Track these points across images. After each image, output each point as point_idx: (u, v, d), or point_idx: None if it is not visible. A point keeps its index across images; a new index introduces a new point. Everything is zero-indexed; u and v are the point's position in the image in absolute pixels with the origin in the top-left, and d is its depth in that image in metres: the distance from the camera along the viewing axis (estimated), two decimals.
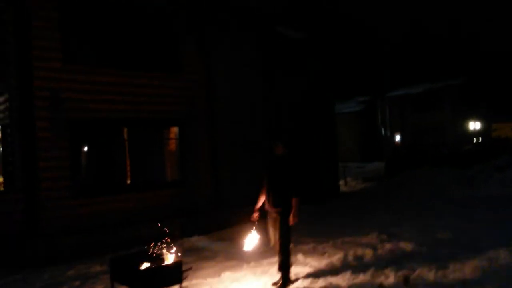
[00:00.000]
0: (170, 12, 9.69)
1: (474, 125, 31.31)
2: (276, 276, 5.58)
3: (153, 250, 4.19)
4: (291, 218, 5.29)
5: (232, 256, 7.08)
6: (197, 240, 8.77)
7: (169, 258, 4.14)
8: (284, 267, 5.42)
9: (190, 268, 4.27)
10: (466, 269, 5.77)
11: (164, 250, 4.10)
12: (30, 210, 7.61)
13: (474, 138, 26.89)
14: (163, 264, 4.01)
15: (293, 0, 13.23)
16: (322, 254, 6.94)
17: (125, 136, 9.05)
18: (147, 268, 3.92)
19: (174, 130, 9.96)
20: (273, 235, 5.49)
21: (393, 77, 36.09)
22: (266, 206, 5.48)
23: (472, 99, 30.79)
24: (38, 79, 7.74)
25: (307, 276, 5.83)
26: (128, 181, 9.07)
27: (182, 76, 9.82)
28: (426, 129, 31.79)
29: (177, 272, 3.98)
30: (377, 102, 35.21)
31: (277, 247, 5.42)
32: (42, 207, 7.65)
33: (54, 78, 7.89)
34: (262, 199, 5.52)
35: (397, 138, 34.73)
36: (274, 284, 5.44)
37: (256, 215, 5.46)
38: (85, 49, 8.50)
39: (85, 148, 8.75)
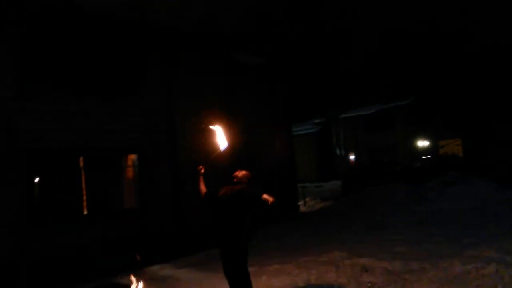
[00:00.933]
0: (130, 42, 9.71)
1: (423, 143, 32.81)
2: None
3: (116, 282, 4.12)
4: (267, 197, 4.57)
5: (197, 282, 7.03)
6: (159, 269, 8.63)
7: None
8: None
9: None
10: (422, 280, 6.05)
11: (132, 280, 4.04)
12: None
13: (423, 156, 28.15)
14: None
15: (249, 25, 13.60)
16: (286, 275, 7.02)
17: (81, 164, 8.85)
18: None
19: (132, 157, 9.85)
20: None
21: (347, 99, 37.40)
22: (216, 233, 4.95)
23: (420, 119, 32.35)
24: None
25: None
26: (85, 212, 8.83)
27: (142, 103, 9.78)
28: (378, 148, 33.00)
29: None
30: (332, 124, 36.27)
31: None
32: None
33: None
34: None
35: (352, 157, 35.77)
36: None
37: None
38: (40, 77, 8.29)
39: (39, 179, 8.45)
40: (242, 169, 5.17)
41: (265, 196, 4.54)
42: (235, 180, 5.06)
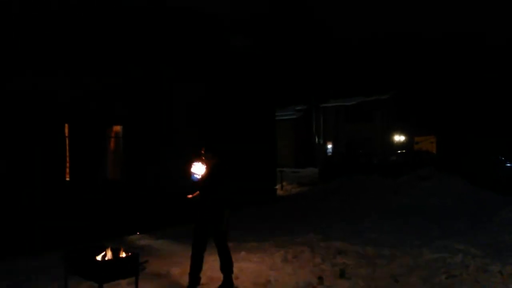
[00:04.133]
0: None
1: (399, 138, 33.62)
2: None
3: (107, 245, 4.28)
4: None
5: (178, 253, 7.20)
6: (138, 238, 8.78)
7: (123, 251, 4.23)
8: (227, 268, 5.37)
9: (147, 261, 4.40)
10: (392, 265, 6.41)
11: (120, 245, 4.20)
12: None
13: (399, 150, 28.91)
14: (120, 256, 4.11)
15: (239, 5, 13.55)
16: (264, 251, 7.29)
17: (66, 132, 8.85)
18: (103, 260, 4.00)
19: (117, 128, 9.90)
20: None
21: (330, 88, 37.73)
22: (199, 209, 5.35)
23: (398, 114, 33.07)
24: None
25: (252, 271, 6.14)
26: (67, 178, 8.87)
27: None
28: (357, 139, 33.66)
29: (134, 264, 4.09)
30: (313, 111, 36.64)
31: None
32: None
33: None
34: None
35: (329, 146, 36.38)
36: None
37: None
38: None
39: None
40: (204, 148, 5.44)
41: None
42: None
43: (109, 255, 4.09)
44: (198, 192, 5.42)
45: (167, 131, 10.49)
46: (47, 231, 7.93)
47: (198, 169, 5.28)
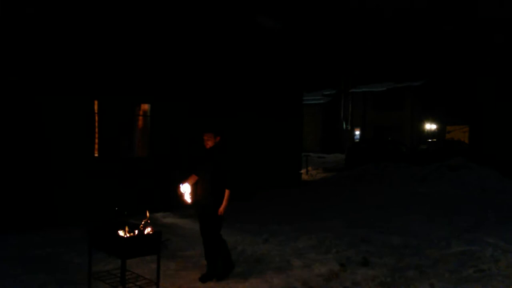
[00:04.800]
0: None
1: (430, 126, 32.79)
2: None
3: (130, 221, 4.30)
4: (222, 209, 5.04)
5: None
6: (162, 216, 8.88)
7: (147, 228, 4.25)
8: (213, 256, 5.13)
9: (169, 239, 4.41)
10: (418, 256, 6.26)
11: (143, 222, 4.21)
12: None
13: (429, 139, 28.21)
14: (143, 232, 4.12)
15: None
16: (285, 235, 7.22)
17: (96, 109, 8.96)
18: (127, 236, 4.03)
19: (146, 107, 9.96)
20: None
21: (359, 73, 36.96)
22: (195, 198, 5.16)
23: (430, 102, 32.18)
24: None
25: (274, 255, 6.11)
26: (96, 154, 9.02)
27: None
28: (385, 126, 32.99)
29: (156, 241, 4.11)
30: (341, 97, 36.07)
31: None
32: None
33: None
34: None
35: (357, 133, 35.83)
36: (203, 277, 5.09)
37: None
38: None
39: None
40: (206, 131, 5.24)
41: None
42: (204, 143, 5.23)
43: (132, 232, 4.11)
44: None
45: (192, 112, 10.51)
46: (74, 204, 8.11)
47: (187, 189, 5.02)
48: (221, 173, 5.09)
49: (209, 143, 5.20)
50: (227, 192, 5.07)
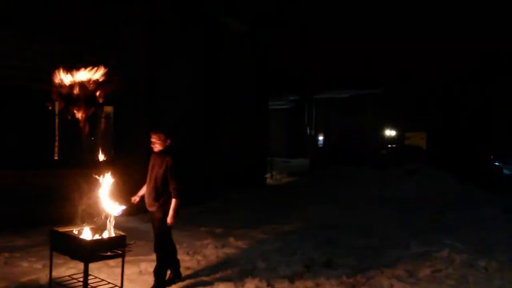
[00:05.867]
0: None
1: (390, 132, 33.81)
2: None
3: (94, 224, 4.22)
4: (169, 219, 4.68)
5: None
6: (125, 221, 8.69)
7: (111, 232, 4.17)
8: (159, 272, 4.83)
9: (134, 242, 4.35)
10: (380, 256, 6.45)
11: (107, 224, 4.14)
12: None
13: (389, 145, 29.09)
14: (107, 236, 4.05)
15: None
16: (251, 238, 7.27)
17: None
18: (90, 239, 3.95)
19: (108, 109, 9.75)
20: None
21: (322, 80, 37.68)
22: (146, 202, 4.89)
23: (390, 109, 33.23)
24: None
25: (240, 257, 6.13)
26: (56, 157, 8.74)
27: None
28: (348, 131, 33.74)
29: (121, 245, 4.04)
30: (306, 102, 36.59)
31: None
32: None
33: None
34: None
35: (320, 138, 36.45)
36: None
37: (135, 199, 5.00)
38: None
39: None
40: (155, 131, 4.75)
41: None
42: (152, 145, 4.78)
43: (95, 235, 4.03)
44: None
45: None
46: (35, 209, 7.82)
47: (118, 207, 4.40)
48: (168, 181, 4.64)
49: (157, 146, 4.69)
50: (173, 201, 4.65)
